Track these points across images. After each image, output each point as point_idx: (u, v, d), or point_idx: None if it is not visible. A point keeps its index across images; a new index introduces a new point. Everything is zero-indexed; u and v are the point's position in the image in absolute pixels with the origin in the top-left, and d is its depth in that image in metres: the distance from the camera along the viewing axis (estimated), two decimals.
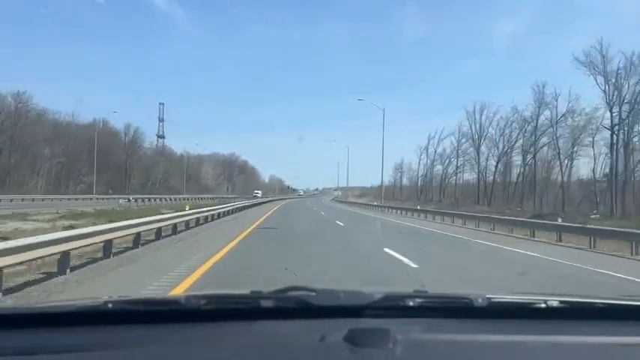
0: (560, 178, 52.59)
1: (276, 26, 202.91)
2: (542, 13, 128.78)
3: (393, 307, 1.36)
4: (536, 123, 55.64)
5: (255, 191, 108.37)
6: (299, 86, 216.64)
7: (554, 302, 1.39)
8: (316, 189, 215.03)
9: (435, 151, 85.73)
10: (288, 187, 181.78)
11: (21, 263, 6.95)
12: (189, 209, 20.82)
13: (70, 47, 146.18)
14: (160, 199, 54.53)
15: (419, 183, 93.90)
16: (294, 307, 1.33)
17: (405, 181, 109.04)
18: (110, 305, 1.34)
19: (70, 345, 1.16)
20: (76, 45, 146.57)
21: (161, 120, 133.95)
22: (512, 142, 61.38)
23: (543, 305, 1.39)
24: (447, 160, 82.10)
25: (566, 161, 52.22)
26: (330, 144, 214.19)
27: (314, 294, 1.36)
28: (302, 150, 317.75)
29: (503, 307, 1.41)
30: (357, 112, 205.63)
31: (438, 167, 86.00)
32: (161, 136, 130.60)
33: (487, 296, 1.40)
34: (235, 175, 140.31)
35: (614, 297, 1.65)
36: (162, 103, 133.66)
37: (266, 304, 1.34)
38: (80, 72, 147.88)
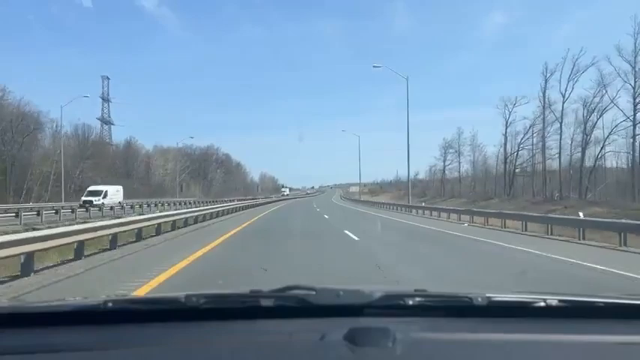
0: None
1: (266, 26, 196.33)
2: None
3: (392, 306, 1.34)
4: None
5: (90, 189, 43.04)
6: (296, 85, 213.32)
7: (553, 301, 1.37)
8: (312, 187, 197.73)
9: (565, 98, 43.49)
10: (283, 185, 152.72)
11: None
12: None
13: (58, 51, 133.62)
14: None
15: (506, 167, 54.76)
16: (294, 306, 1.32)
17: (465, 168, 71.05)
18: (110, 304, 1.33)
19: (69, 344, 1.15)
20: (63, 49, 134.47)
21: (105, 100, 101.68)
22: None
23: (543, 304, 1.37)
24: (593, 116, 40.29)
25: None
26: (328, 142, 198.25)
27: (314, 293, 1.34)
28: (298, 148, 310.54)
29: (503, 306, 1.40)
30: (356, 109, 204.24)
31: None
32: (107, 122, 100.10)
33: (487, 295, 1.38)
34: (212, 171, 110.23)
35: (614, 296, 1.60)
36: (107, 77, 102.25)
37: (266, 303, 1.33)
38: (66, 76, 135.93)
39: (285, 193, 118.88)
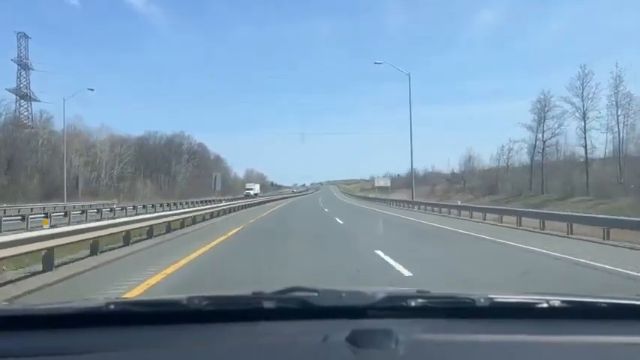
0: None
1: (257, 24, 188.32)
2: None
3: (395, 308, 1.35)
4: None
5: None
6: (293, 84, 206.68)
7: (556, 302, 1.37)
8: (303, 184, 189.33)
9: None
10: (272, 183, 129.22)
11: None
12: None
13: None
14: None
15: None
16: (296, 308, 1.32)
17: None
18: (111, 306, 1.33)
19: (70, 347, 1.16)
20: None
21: (24, 66, 66.82)
22: None
23: (545, 305, 1.37)
24: None
25: None
26: (325, 141, 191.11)
27: (316, 294, 1.34)
28: (291, 146, 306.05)
29: (506, 307, 1.40)
30: (355, 108, 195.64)
31: None
32: (25, 97, 70.75)
33: (489, 296, 1.38)
34: (176, 164, 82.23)
35: (616, 296, 1.58)
36: (26, 35, 66.66)
37: (268, 304, 1.33)
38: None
39: (252, 193, 77.39)
